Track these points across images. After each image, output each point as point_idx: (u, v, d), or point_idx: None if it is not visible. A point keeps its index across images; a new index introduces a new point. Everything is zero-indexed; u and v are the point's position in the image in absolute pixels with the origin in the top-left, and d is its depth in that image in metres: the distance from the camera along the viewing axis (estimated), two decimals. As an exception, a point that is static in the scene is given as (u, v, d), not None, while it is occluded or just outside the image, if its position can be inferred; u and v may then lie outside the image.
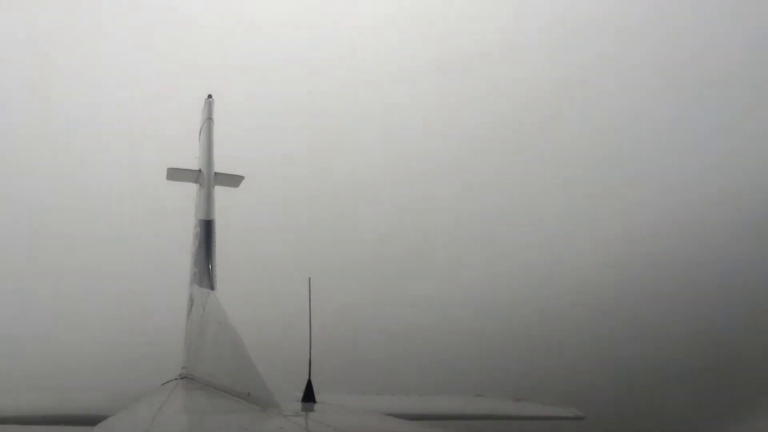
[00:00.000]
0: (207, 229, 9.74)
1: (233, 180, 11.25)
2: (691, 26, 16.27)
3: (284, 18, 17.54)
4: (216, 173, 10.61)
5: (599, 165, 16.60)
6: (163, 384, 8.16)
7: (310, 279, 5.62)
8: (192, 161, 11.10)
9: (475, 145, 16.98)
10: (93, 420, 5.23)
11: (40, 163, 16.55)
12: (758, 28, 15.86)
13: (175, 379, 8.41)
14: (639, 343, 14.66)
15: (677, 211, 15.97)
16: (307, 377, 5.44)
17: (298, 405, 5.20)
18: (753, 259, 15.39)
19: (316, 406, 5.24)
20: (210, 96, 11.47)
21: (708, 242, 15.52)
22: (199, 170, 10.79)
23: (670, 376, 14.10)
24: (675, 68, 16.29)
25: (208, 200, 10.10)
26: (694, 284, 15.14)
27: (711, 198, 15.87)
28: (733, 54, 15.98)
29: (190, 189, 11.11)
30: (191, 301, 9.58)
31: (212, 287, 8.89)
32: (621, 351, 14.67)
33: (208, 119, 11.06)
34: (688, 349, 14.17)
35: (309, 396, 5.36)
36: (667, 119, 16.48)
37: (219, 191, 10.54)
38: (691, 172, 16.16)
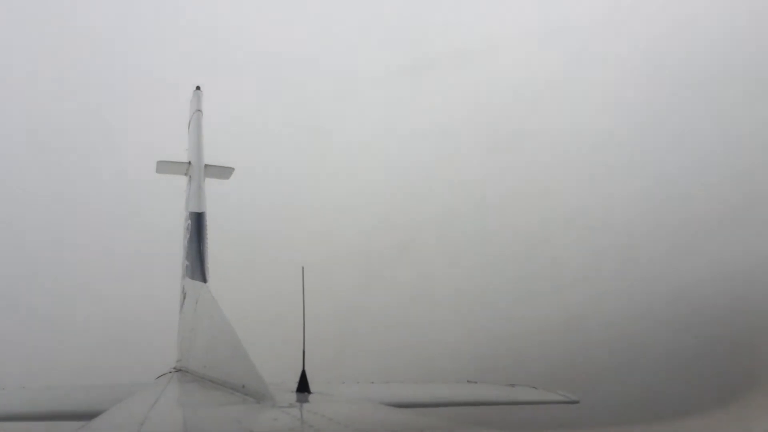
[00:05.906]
0: (198, 221, 9.68)
1: (224, 172, 11.19)
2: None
3: (273, 8, 17.44)
4: (206, 165, 10.57)
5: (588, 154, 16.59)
6: (158, 378, 8.15)
7: (303, 269, 5.60)
8: (181, 153, 11.04)
9: (462, 143, 17.02)
10: (90, 414, 5.21)
11: (30, 160, 16.43)
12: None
13: (170, 372, 8.39)
14: (634, 329, 14.66)
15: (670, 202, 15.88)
16: (301, 368, 5.43)
17: (293, 396, 5.19)
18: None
19: (311, 397, 5.23)
20: (198, 87, 11.40)
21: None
22: (189, 162, 10.72)
23: (665, 361, 14.12)
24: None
25: (198, 193, 10.05)
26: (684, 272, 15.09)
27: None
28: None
29: (180, 182, 11.06)
30: (184, 294, 9.55)
31: (205, 280, 8.84)
32: (616, 337, 14.68)
33: (197, 111, 10.98)
34: (686, 336, 14.15)
35: (303, 386, 5.33)
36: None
37: (209, 183, 10.50)
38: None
